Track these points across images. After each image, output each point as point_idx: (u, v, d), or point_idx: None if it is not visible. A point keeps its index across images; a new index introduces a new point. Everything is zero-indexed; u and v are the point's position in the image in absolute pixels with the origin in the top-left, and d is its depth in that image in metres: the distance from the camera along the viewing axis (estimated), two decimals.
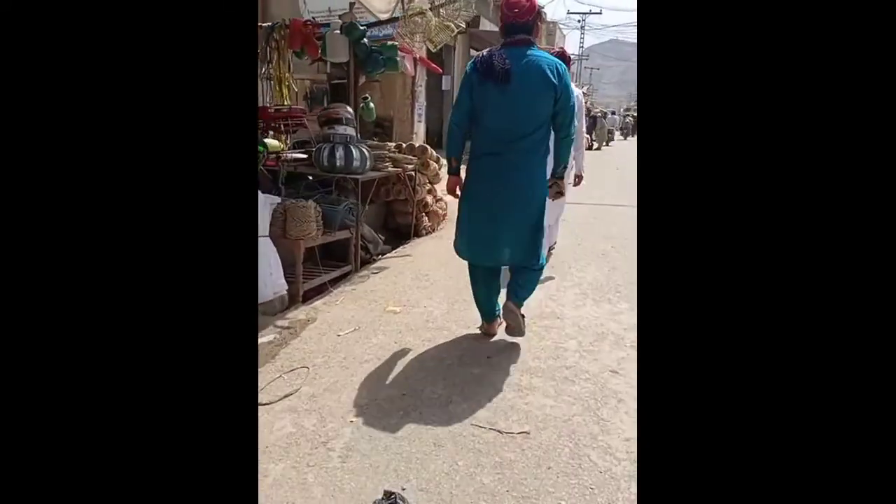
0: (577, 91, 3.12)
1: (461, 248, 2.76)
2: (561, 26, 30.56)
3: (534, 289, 2.83)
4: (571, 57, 4.52)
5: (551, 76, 2.40)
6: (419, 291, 3.71)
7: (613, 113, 30.83)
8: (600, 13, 36.46)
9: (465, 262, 2.85)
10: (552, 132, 2.57)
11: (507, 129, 2.46)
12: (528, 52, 2.43)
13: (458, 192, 2.72)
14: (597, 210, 6.95)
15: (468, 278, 2.89)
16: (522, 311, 2.80)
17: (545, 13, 23.96)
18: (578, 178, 4.19)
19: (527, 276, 2.76)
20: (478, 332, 2.99)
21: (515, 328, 2.75)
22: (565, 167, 2.69)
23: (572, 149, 2.70)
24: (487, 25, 12.13)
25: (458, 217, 2.73)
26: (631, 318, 3.28)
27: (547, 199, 2.65)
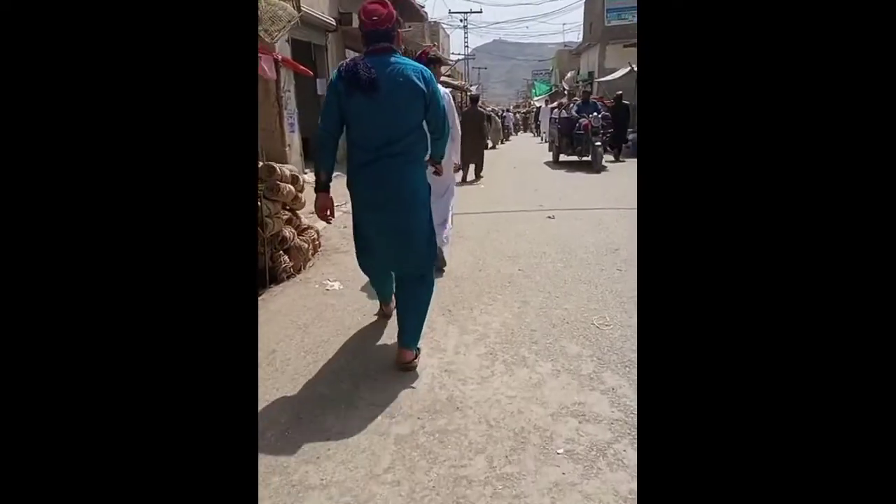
0: (443, 90, 3.21)
1: (358, 259, 2.81)
2: (444, 26, 30.14)
3: (425, 316, 2.73)
4: (441, 57, 4.74)
5: (418, 82, 2.39)
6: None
7: (508, 110, 31.59)
8: (480, 12, 36.55)
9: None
10: (427, 135, 2.57)
11: (378, 137, 2.42)
12: (392, 59, 2.39)
13: (329, 213, 2.61)
14: (498, 220, 6.08)
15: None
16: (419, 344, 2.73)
17: (426, 12, 23.45)
18: (456, 166, 4.33)
19: (415, 301, 2.66)
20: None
21: (407, 368, 2.64)
22: (442, 156, 2.76)
23: (445, 149, 2.78)
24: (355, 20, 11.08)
25: (353, 232, 2.74)
26: (558, 394, 2.34)
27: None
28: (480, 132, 10.26)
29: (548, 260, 4.47)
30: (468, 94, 11.22)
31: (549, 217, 6.03)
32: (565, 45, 38.42)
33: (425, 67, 2.50)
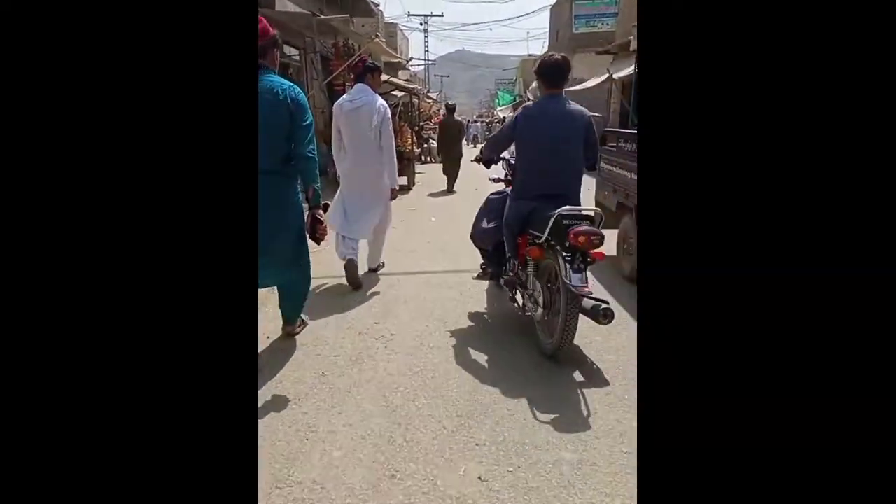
0: (379, 100, 3.68)
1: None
2: (402, 28, 28.38)
3: (302, 304, 2.98)
4: (373, 65, 4.00)
5: (284, 97, 2.46)
6: None
7: (475, 121, 30.59)
8: (441, 15, 34.99)
9: None
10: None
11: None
12: (263, 76, 2.48)
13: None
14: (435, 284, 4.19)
15: None
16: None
17: (379, 10, 21.71)
18: (393, 192, 4.02)
19: (293, 295, 2.89)
20: None
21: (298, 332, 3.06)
22: (317, 191, 2.59)
23: (375, 160, 3.54)
24: (289, 6, 9.03)
25: None
26: None
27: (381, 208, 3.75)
28: (458, 143, 9.71)
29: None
30: (445, 104, 10.79)
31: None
32: (530, 55, 37.23)
33: (294, 84, 2.57)
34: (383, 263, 4.37)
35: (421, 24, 34.42)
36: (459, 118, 10.29)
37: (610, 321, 2.48)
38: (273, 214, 2.47)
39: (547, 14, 31.56)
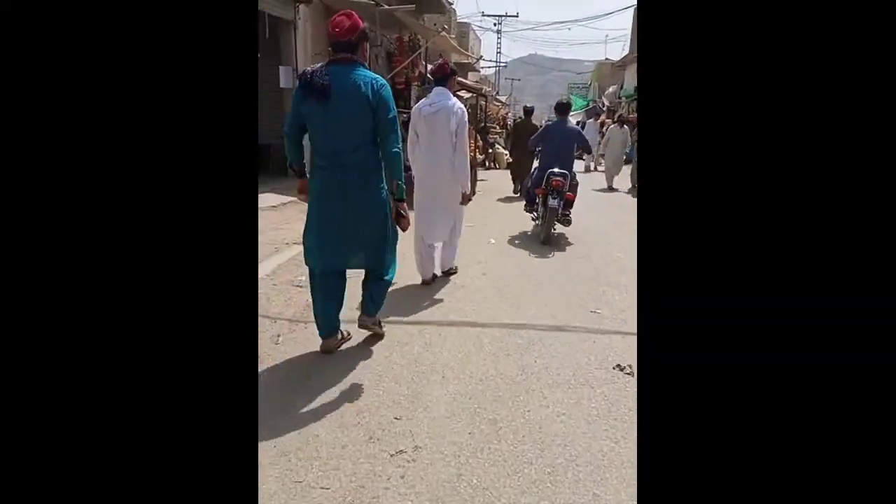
0: (457, 104, 3.76)
1: (308, 255, 2.71)
2: (475, 28, 27.50)
3: (383, 298, 2.92)
4: (455, 69, 4.11)
5: (366, 90, 2.42)
6: None
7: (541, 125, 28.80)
8: (517, 15, 33.82)
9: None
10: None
11: (331, 144, 2.48)
12: (349, 68, 2.45)
13: (305, 196, 2.71)
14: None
15: None
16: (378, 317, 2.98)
17: (453, 8, 20.88)
18: (465, 197, 3.99)
19: (377, 287, 2.84)
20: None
21: (373, 332, 3.00)
22: (401, 185, 2.60)
23: (449, 164, 3.60)
24: None
25: (305, 226, 2.70)
26: None
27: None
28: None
29: None
30: (524, 106, 9.73)
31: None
32: (607, 59, 35.42)
33: (380, 77, 2.53)
34: (456, 268, 4.38)
35: (495, 24, 33.37)
36: (536, 123, 9.61)
37: (566, 225, 5.77)
38: (359, 206, 2.57)
39: (629, 14, 29.77)
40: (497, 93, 27.18)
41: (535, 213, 5.91)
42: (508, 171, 9.69)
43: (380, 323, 2.98)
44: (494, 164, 13.64)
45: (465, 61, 20.82)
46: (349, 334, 2.95)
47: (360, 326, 2.90)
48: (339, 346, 2.85)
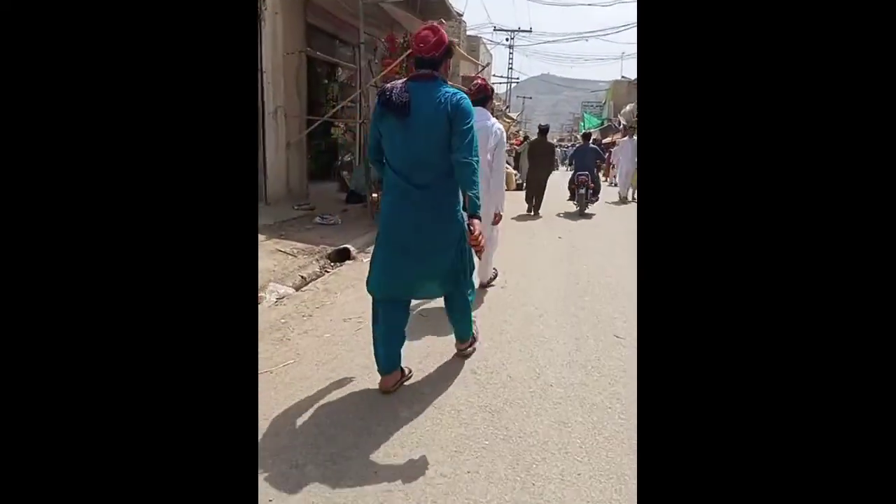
0: (496, 124, 3.70)
1: (372, 281, 2.53)
2: (486, 41, 26.46)
3: (470, 315, 2.83)
4: (494, 88, 4.43)
5: (447, 106, 2.30)
6: None
7: (556, 145, 28.72)
8: (530, 30, 32.85)
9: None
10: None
11: (409, 163, 2.36)
12: (431, 85, 2.34)
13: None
14: None
15: None
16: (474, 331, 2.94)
17: (463, 20, 19.90)
18: (497, 217, 3.90)
19: (459, 306, 2.72)
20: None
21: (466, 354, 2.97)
22: (473, 199, 2.36)
23: (486, 183, 3.14)
24: None
25: (372, 253, 2.56)
26: None
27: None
28: (549, 165, 9.55)
29: None
30: (539, 125, 10.33)
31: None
32: (623, 77, 34.29)
33: (459, 93, 2.38)
34: (495, 273, 4.47)
35: (507, 39, 32.37)
36: (551, 141, 10.93)
37: (593, 202, 9.77)
38: (434, 229, 2.42)
39: None
40: (508, 108, 26.02)
41: (574, 201, 9.68)
42: (519, 191, 10.72)
43: (473, 342, 2.97)
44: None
45: (473, 73, 19.72)
46: (410, 372, 2.72)
47: (459, 355, 2.92)
48: (398, 385, 2.62)
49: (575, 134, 41.24)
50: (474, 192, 2.34)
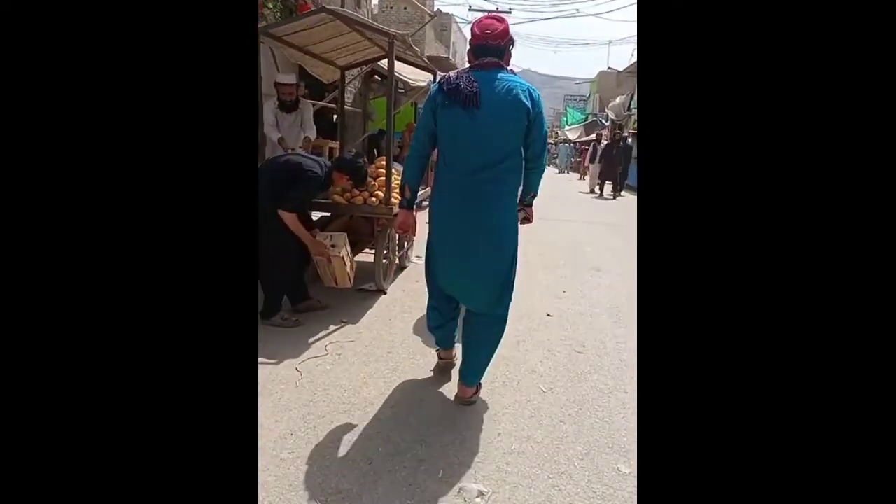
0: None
1: (429, 287, 2.60)
2: (458, 20, 23.96)
3: (492, 355, 2.54)
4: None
5: (525, 101, 2.22)
6: None
7: (564, 142, 28.82)
8: (509, 12, 30.45)
9: None
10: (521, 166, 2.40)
11: (473, 158, 2.25)
12: (499, 75, 2.26)
13: (410, 233, 2.60)
14: None
15: None
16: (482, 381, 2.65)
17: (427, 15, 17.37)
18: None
19: (482, 336, 2.47)
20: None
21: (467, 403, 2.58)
22: (534, 196, 2.54)
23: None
24: None
25: (426, 254, 2.57)
26: None
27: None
28: None
29: None
30: None
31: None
32: (610, 68, 32.08)
33: (533, 87, 2.34)
34: None
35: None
36: None
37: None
38: (495, 227, 2.29)
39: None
40: None
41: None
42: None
43: (479, 389, 2.59)
44: None
45: (444, 53, 17.30)
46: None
47: (461, 402, 2.52)
48: (454, 359, 2.80)
49: (556, 130, 39.15)
50: (536, 191, 2.48)
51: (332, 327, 3.43)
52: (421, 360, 3.04)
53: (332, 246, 3.47)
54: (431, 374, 2.85)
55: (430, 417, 2.43)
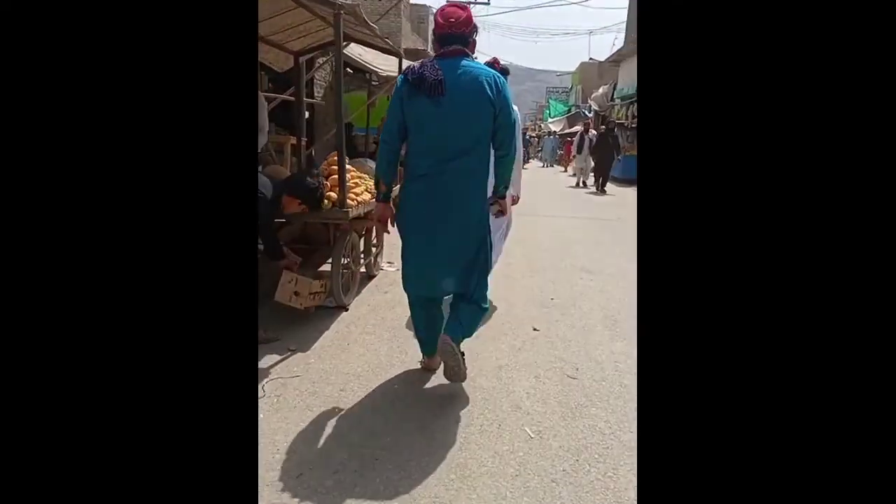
0: (514, 109, 3.04)
1: (403, 277, 2.53)
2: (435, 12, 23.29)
3: (475, 328, 2.58)
4: (507, 69, 3.54)
5: (489, 90, 2.23)
6: None
7: (549, 135, 28.74)
8: (488, 3, 29.80)
9: None
10: (491, 151, 2.39)
11: (440, 146, 2.27)
12: (463, 62, 2.27)
13: (389, 224, 2.53)
14: None
15: None
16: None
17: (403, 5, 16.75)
18: (514, 199, 3.64)
19: (467, 311, 2.48)
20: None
21: (452, 369, 2.42)
22: (506, 187, 2.50)
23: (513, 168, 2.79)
24: None
25: (401, 246, 2.51)
26: None
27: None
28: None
29: None
30: None
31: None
32: (591, 59, 31.62)
33: (499, 74, 2.35)
34: None
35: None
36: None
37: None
38: (462, 214, 2.33)
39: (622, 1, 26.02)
40: None
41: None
42: None
43: (462, 357, 2.45)
44: None
45: (422, 46, 16.72)
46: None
47: (440, 351, 2.43)
48: (437, 365, 2.72)
49: (539, 123, 38.77)
50: (507, 181, 2.44)
51: (276, 357, 2.87)
52: (380, 400, 2.49)
53: (296, 293, 3.10)
54: (393, 417, 2.31)
55: (383, 492, 1.89)
